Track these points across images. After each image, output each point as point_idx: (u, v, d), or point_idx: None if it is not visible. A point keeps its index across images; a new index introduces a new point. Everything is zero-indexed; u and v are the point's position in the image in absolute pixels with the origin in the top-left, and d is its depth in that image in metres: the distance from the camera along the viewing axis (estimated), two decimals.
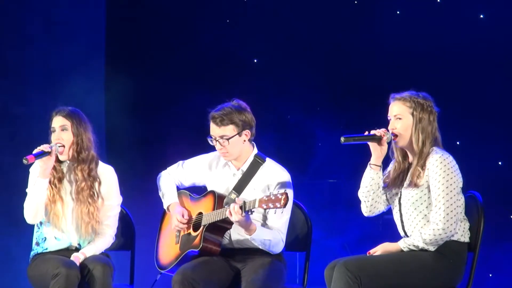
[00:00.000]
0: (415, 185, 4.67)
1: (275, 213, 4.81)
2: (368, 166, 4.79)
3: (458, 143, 6.87)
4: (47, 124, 5.15)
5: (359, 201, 4.88)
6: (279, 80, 7.36)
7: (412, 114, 4.71)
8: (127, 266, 5.44)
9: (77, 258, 5.00)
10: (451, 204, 4.58)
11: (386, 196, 4.84)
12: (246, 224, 4.81)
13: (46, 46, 7.08)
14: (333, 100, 7.25)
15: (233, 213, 4.74)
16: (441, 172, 4.60)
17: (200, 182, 5.26)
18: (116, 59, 7.42)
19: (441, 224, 4.56)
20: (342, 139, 4.72)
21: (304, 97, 7.24)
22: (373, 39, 7.19)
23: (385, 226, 6.80)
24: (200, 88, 7.09)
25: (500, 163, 6.99)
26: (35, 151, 4.98)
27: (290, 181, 5.06)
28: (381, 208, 4.86)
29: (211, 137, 5.05)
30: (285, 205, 4.63)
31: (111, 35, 7.46)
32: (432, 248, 4.60)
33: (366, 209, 4.85)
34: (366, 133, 4.76)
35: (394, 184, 4.79)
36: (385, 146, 4.75)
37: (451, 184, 4.60)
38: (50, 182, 5.09)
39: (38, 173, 5.03)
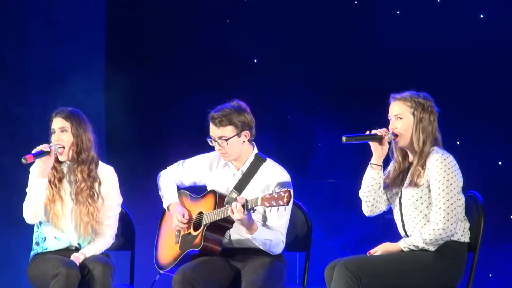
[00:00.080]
0: (416, 184, 4.67)
1: (277, 211, 4.80)
2: (369, 165, 4.79)
3: (458, 143, 6.87)
4: (47, 124, 5.15)
5: (359, 201, 4.89)
6: (279, 80, 7.36)
7: (413, 114, 4.71)
8: (127, 266, 5.44)
9: (77, 258, 5.00)
10: (451, 204, 4.58)
11: (386, 195, 4.84)
12: (248, 223, 4.81)
13: (46, 46, 7.07)
14: (333, 100, 7.25)
15: (235, 211, 4.74)
16: (441, 172, 4.60)
17: (201, 182, 5.26)
18: (116, 59, 7.42)
19: (441, 224, 4.56)
20: (343, 138, 4.73)
21: (304, 97, 7.24)
22: (373, 39, 7.19)
23: (385, 226, 6.81)
24: (200, 88, 7.08)
25: (500, 163, 6.99)
26: (34, 151, 4.98)
27: (290, 181, 5.06)
28: (382, 207, 4.86)
29: (211, 138, 5.06)
30: (288, 202, 4.63)
31: (111, 35, 7.46)
32: (432, 248, 4.60)
33: (367, 209, 4.85)
34: (368, 132, 4.76)
35: (394, 183, 4.79)
36: (386, 146, 4.75)
37: (451, 184, 4.60)
38: (50, 182, 5.09)
39: (38, 173, 5.04)
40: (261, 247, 4.93)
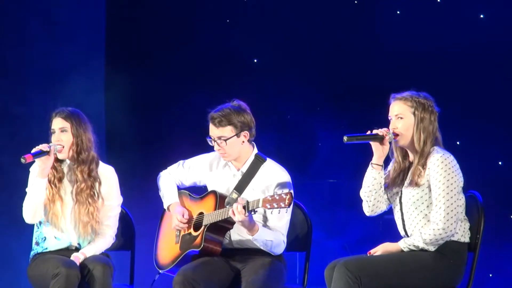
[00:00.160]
0: (416, 184, 4.67)
1: (279, 213, 4.81)
2: (370, 165, 4.79)
3: (458, 143, 6.87)
4: (47, 124, 5.15)
5: (359, 201, 4.88)
6: (279, 80, 7.35)
7: (414, 113, 4.71)
8: (127, 266, 5.44)
9: (77, 258, 5.00)
10: (452, 204, 4.58)
11: (387, 195, 4.84)
12: (249, 225, 4.81)
13: (46, 46, 7.07)
14: (333, 100, 7.24)
15: (236, 213, 4.74)
16: (442, 172, 4.60)
17: (201, 182, 5.26)
18: (116, 59, 7.42)
19: (441, 224, 4.56)
20: (345, 138, 4.73)
21: (304, 97, 7.24)
22: (373, 39, 7.19)
23: (385, 226, 6.80)
24: (200, 88, 7.08)
25: (500, 163, 6.99)
26: (33, 151, 4.99)
27: (290, 181, 5.06)
28: (383, 207, 4.86)
29: (210, 138, 5.06)
30: (289, 204, 4.64)
31: (111, 35, 7.46)
32: (432, 248, 4.60)
33: (368, 209, 4.85)
34: (369, 132, 4.76)
35: (394, 183, 4.79)
36: (387, 146, 4.75)
37: (451, 184, 4.60)
38: (50, 181, 5.10)
39: (37, 173, 5.04)
40: (262, 248, 4.93)
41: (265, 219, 5.00)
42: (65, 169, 5.17)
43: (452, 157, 4.66)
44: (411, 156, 4.77)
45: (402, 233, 4.79)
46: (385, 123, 4.79)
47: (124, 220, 5.41)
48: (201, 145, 5.24)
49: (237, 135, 5.02)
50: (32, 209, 5.04)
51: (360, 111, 6.94)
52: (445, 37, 6.97)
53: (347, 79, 7.25)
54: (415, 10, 7.09)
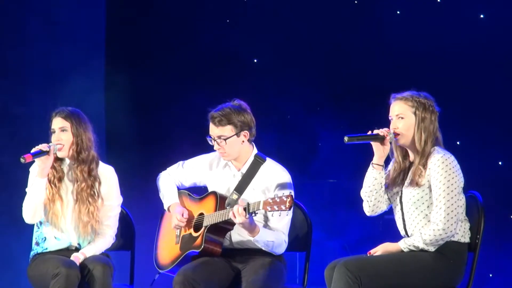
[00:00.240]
0: (417, 184, 4.67)
1: (279, 215, 4.81)
2: (370, 165, 4.79)
3: (458, 143, 6.87)
4: (47, 124, 5.15)
5: (360, 201, 4.88)
6: (279, 80, 7.35)
7: (414, 113, 4.71)
8: (127, 266, 5.44)
9: (77, 258, 5.00)
10: (452, 204, 4.58)
11: (387, 195, 4.84)
12: (250, 226, 4.80)
13: (46, 46, 7.07)
14: (333, 100, 7.24)
15: (237, 215, 4.73)
16: (442, 172, 4.60)
17: (201, 182, 5.26)
18: (116, 59, 7.42)
19: (441, 224, 4.56)
20: (345, 138, 4.72)
21: (304, 97, 7.23)
22: (373, 39, 7.19)
23: (385, 226, 6.80)
24: (200, 88, 7.08)
25: (500, 163, 6.99)
26: (33, 150, 4.99)
27: (291, 181, 5.05)
28: (383, 207, 4.86)
29: (210, 137, 5.06)
30: (290, 207, 4.64)
31: (111, 35, 7.46)
32: (432, 249, 4.60)
33: (369, 209, 4.85)
34: (369, 132, 4.76)
35: (394, 183, 4.79)
36: (388, 146, 4.75)
37: (452, 184, 4.60)
38: (50, 181, 5.09)
39: (37, 173, 5.04)
40: (263, 249, 4.93)
41: (266, 219, 5.00)
42: (65, 169, 5.17)
43: (452, 158, 4.66)
44: (411, 156, 4.77)
45: (402, 232, 4.79)
46: (385, 123, 4.79)
47: (124, 220, 5.41)
48: (201, 145, 5.23)
49: (237, 134, 5.02)
50: (32, 209, 5.04)
51: (360, 111, 6.94)
52: (445, 37, 6.97)
53: (347, 79, 7.25)
54: (415, 10, 7.09)
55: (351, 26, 7.25)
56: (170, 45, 7.44)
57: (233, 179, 5.10)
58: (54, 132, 5.12)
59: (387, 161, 4.83)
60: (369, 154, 4.80)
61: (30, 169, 5.16)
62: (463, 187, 4.66)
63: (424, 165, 4.66)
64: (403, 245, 4.66)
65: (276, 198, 4.65)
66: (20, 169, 5.30)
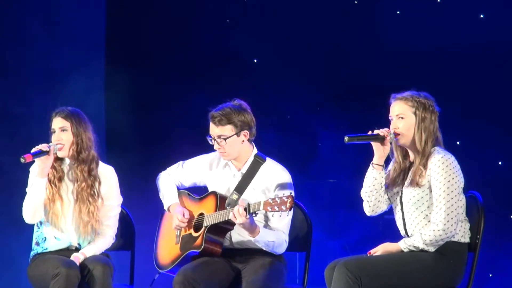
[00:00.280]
0: (417, 184, 4.66)
1: (280, 216, 4.81)
2: (370, 166, 4.78)
3: (458, 143, 6.87)
4: (47, 124, 5.15)
5: (360, 202, 4.88)
6: (279, 80, 7.35)
7: (415, 113, 4.71)
8: (127, 266, 5.44)
9: (77, 258, 5.00)
10: (452, 205, 4.58)
11: (387, 195, 4.84)
12: (251, 227, 4.80)
13: (46, 46, 7.07)
14: (333, 100, 7.24)
15: (237, 215, 4.73)
16: (442, 173, 4.60)
17: (201, 182, 5.26)
18: (116, 59, 7.42)
19: (442, 225, 4.56)
20: (346, 138, 4.72)
21: (304, 97, 7.24)
22: (373, 39, 7.19)
23: (385, 227, 6.81)
24: (200, 88, 7.08)
25: (500, 163, 6.99)
26: (33, 150, 4.99)
27: (291, 181, 5.05)
28: (384, 207, 4.86)
29: (210, 136, 5.06)
30: (291, 207, 4.63)
31: (111, 35, 7.46)
32: (432, 249, 4.60)
33: (369, 209, 4.84)
34: (370, 132, 4.76)
35: (394, 183, 4.79)
36: (388, 146, 4.75)
37: (452, 185, 4.60)
38: (50, 181, 5.09)
39: (37, 173, 5.04)
40: (264, 249, 4.93)
41: (266, 219, 5.00)
42: (65, 169, 5.17)
43: (453, 158, 4.66)
44: (411, 156, 4.77)
45: (402, 232, 4.79)
46: (386, 123, 4.78)
47: (124, 220, 5.40)
48: (201, 145, 5.23)
49: (237, 134, 5.02)
50: (32, 209, 5.04)
51: (360, 111, 6.94)
52: (445, 37, 6.97)
53: (347, 79, 7.25)
54: (415, 10, 7.09)
55: (351, 26, 7.26)
56: (170, 45, 7.44)
57: (233, 179, 5.10)
58: (54, 132, 5.12)
59: (387, 161, 4.83)
60: (369, 154, 4.80)
61: (30, 169, 5.16)
62: (463, 187, 4.66)
63: (425, 165, 4.66)
64: (403, 245, 4.66)
65: (276, 199, 4.65)
66: (20, 169, 5.29)
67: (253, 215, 4.76)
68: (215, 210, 4.97)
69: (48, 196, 5.07)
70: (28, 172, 5.17)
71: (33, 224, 5.16)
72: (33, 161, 5.04)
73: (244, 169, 5.08)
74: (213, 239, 4.95)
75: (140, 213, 5.89)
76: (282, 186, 4.99)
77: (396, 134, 4.72)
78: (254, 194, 5.01)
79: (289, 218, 5.00)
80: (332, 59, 7.28)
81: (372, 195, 4.80)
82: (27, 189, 5.10)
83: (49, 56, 7.08)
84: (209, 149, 5.17)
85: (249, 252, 5.00)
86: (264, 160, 5.09)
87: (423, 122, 4.70)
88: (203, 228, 4.97)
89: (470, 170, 4.89)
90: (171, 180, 5.26)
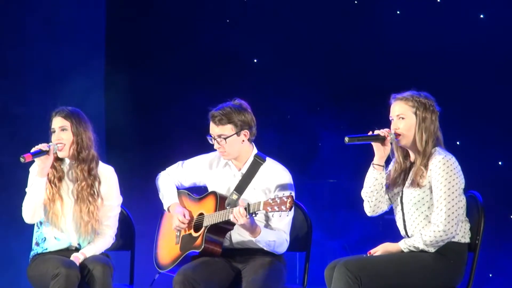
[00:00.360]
0: (418, 185, 4.66)
1: (280, 216, 4.81)
2: (371, 166, 4.78)
3: (458, 143, 6.87)
4: (47, 124, 5.15)
5: (360, 202, 4.88)
6: (279, 80, 7.35)
7: (415, 113, 4.71)
8: (127, 266, 5.44)
9: (77, 258, 5.00)
10: (453, 206, 4.58)
11: (388, 195, 4.84)
12: (251, 227, 4.80)
13: (46, 46, 7.07)
14: (333, 100, 7.25)
15: (238, 216, 4.73)
16: (443, 174, 4.60)
17: (201, 182, 5.26)
18: (116, 59, 7.42)
19: (442, 226, 4.56)
20: (346, 139, 4.72)
21: (304, 97, 7.24)
22: (373, 39, 7.19)
23: (385, 227, 6.81)
24: (200, 88, 7.08)
25: (500, 163, 6.99)
26: (32, 150, 4.98)
27: (291, 181, 5.05)
28: (384, 207, 4.86)
29: (211, 136, 5.06)
30: (291, 208, 4.63)
31: (111, 35, 7.46)
32: (432, 250, 4.60)
33: (370, 209, 4.84)
34: (370, 133, 4.76)
35: (395, 183, 4.78)
36: (389, 146, 4.74)
37: (453, 186, 4.59)
38: (50, 181, 5.09)
39: (36, 172, 5.03)
40: (265, 248, 4.93)
41: (266, 218, 5.00)
42: (65, 168, 5.17)
43: (453, 159, 4.65)
44: (412, 156, 4.77)
45: (402, 233, 4.79)
46: (386, 123, 4.78)
47: (124, 220, 5.40)
48: (201, 145, 5.24)
49: (237, 133, 5.02)
50: (31, 209, 5.04)
51: (360, 111, 6.94)
52: (445, 37, 6.97)
53: (347, 79, 7.25)
54: (415, 10, 7.09)
55: (351, 26, 7.26)
56: (170, 45, 7.44)
57: (233, 179, 5.10)
58: (54, 131, 5.12)
59: (387, 161, 4.82)
60: (370, 154, 4.80)
61: (30, 169, 5.16)
62: (463, 188, 4.66)
63: (426, 166, 4.66)
64: (403, 245, 4.66)
65: (276, 199, 4.65)
66: (20, 169, 5.29)
67: (253, 215, 4.76)
68: (215, 210, 4.97)
69: (48, 196, 5.07)
70: (28, 172, 5.17)
71: (33, 224, 5.15)
72: (33, 161, 5.04)
73: (244, 169, 5.08)
74: (213, 239, 4.95)
75: (140, 213, 5.89)
76: (282, 186, 4.99)
77: (397, 135, 4.72)
78: (254, 194, 5.01)
79: (290, 218, 5.00)
80: (332, 59, 7.28)
81: (373, 196, 4.79)
82: (27, 189, 5.09)
83: (49, 56, 7.09)
84: (209, 149, 5.17)
85: (249, 252, 5.00)
86: (264, 160, 5.09)
87: (424, 122, 4.69)
88: (203, 228, 4.97)
89: (470, 170, 4.89)
90: (170, 180, 5.26)
